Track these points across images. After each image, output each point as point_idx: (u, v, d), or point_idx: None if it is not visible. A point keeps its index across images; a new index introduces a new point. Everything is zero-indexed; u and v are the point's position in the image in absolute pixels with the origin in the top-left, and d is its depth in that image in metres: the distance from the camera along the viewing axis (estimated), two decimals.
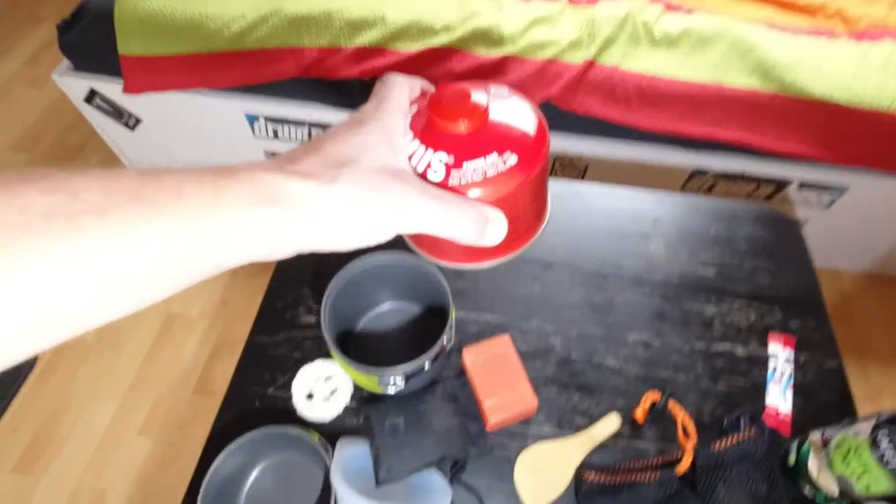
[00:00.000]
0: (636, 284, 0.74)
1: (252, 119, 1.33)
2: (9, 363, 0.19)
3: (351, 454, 0.58)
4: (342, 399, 0.63)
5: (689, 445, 0.58)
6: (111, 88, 1.29)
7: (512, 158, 0.29)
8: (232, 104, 1.30)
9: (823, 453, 0.54)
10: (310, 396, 0.63)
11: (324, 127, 1.32)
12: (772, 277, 0.75)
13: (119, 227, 0.19)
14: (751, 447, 0.54)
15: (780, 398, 0.64)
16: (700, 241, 0.79)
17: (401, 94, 0.30)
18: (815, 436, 0.56)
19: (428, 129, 0.29)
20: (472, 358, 0.63)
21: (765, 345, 0.69)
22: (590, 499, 0.57)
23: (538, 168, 0.30)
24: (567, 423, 0.63)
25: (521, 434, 0.63)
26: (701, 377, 0.67)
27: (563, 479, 0.59)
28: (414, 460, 0.58)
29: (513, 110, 0.31)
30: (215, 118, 1.35)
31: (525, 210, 0.32)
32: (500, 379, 0.62)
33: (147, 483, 1.18)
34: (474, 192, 0.28)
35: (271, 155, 1.48)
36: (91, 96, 1.33)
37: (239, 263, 0.23)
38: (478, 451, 0.60)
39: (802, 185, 1.26)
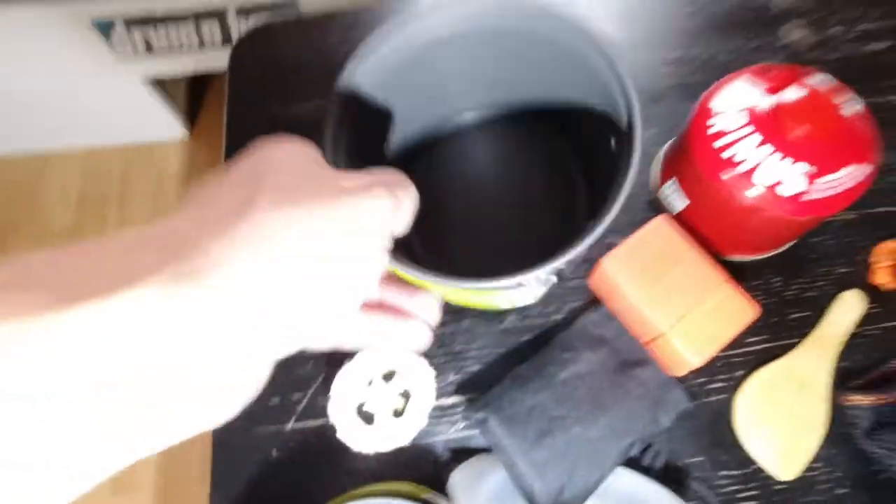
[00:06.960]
0: None
1: (105, 27, 0.91)
2: None
3: (486, 489, 0.32)
4: (423, 399, 0.36)
5: None
6: None
7: (868, 169, 0.29)
8: (66, 9, 0.86)
9: None
10: (368, 419, 0.35)
11: (220, 16, 0.92)
12: None
13: None
14: None
15: None
16: None
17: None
18: None
19: (780, 134, 0.29)
20: (617, 266, 0.36)
21: None
22: (884, 429, 0.34)
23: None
24: (783, 324, 0.39)
25: (719, 366, 0.38)
26: None
27: (814, 416, 0.36)
28: (589, 467, 0.32)
29: (853, 107, 0.30)
30: (43, 38, 0.91)
31: None
32: (676, 288, 0.35)
33: None
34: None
35: (154, 84, 1.06)
36: None
37: None
38: (675, 413, 0.35)
39: None
